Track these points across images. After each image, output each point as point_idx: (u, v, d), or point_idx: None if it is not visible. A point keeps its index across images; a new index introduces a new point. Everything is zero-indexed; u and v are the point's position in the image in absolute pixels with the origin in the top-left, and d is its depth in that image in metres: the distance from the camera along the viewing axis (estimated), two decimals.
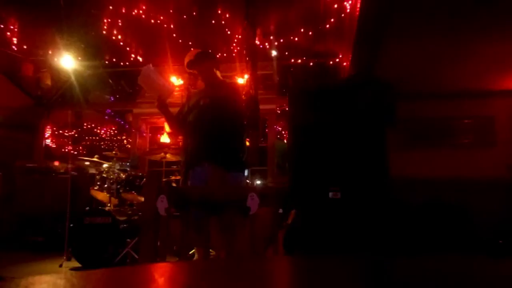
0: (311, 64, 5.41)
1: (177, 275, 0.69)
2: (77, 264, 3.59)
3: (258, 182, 5.47)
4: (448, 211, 4.16)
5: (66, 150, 7.58)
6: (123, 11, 4.43)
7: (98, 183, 4.02)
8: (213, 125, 2.69)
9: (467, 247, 3.93)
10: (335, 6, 4.06)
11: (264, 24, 4.63)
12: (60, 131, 7.80)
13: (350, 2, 3.84)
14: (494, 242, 3.99)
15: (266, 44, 5.00)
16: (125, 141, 8.60)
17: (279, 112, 5.78)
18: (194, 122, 2.74)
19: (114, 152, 4.18)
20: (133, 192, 3.94)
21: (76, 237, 3.61)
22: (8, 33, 4.92)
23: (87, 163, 5.12)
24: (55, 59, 5.26)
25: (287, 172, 2.47)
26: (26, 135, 6.16)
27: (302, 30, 4.65)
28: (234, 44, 4.99)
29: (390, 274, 0.72)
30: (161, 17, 4.53)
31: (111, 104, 6.73)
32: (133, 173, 4.12)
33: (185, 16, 4.47)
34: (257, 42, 4.50)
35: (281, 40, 4.92)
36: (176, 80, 5.04)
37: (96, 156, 4.43)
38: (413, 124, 4.71)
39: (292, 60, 5.45)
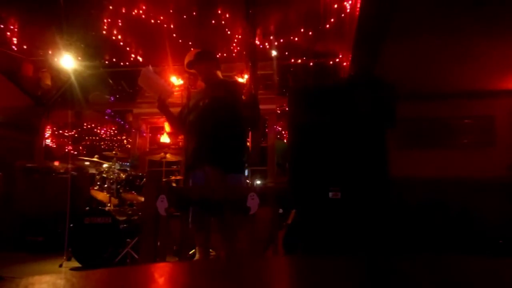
0: (311, 64, 5.41)
1: (177, 275, 0.69)
2: (77, 264, 3.59)
3: (258, 182, 5.48)
4: (448, 211, 4.16)
5: (66, 150, 7.58)
6: (123, 11, 4.42)
7: (98, 183, 4.02)
8: (213, 126, 2.68)
9: (467, 247, 3.93)
10: (335, 6, 4.06)
11: (264, 24, 4.63)
12: (60, 131, 7.79)
13: (350, 2, 3.84)
14: (494, 242, 3.99)
15: (266, 44, 4.99)
16: (125, 141, 8.59)
17: (279, 112, 5.77)
18: (194, 123, 2.74)
19: (114, 152, 4.18)
20: (133, 192, 3.94)
21: (76, 237, 3.61)
22: (8, 33, 4.92)
23: (87, 163, 5.12)
24: (55, 59, 5.25)
25: (287, 172, 2.47)
26: (26, 135, 6.16)
27: (302, 30, 4.64)
28: (234, 44, 4.98)
29: (390, 274, 0.72)
30: (161, 17, 4.53)
31: (111, 104, 6.73)
32: (133, 173, 4.12)
33: (185, 16, 4.47)
34: (257, 42, 4.50)
35: (281, 40, 4.92)
36: (176, 80, 5.05)
37: (96, 156, 4.43)
38: (413, 124, 4.71)
39: (292, 60, 5.45)
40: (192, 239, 2.71)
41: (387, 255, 0.89)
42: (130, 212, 4.07)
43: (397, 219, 2.74)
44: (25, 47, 5.14)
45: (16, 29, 4.91)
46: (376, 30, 3.15)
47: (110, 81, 6.14)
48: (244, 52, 3.97)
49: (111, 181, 3.95)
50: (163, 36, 4.67)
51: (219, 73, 2.94)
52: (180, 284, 0.62)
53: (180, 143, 5.30)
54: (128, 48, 5.25)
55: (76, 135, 8.43)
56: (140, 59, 5.42)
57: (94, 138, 8.80)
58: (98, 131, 8.72)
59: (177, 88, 3.37)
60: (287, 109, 2.58)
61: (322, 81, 4.64)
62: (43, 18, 4.50)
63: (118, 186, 3.95)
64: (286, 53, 5.25)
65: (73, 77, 5.40)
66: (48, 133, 6.75)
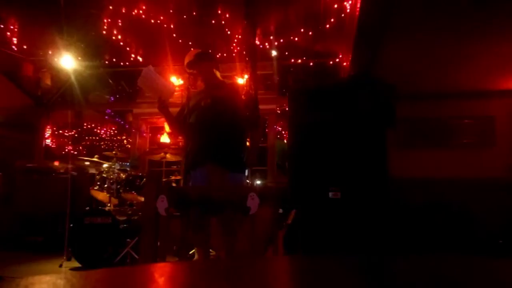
0: (311, 64, 5.41)
1: (177, 275, 0.69)
2: (77, 264, 3.59)
3: (258, 182, 5.48)
4: (448, 211, 4.16)
5: (66, 150, 7.58)
6: (123, 11, 4.42)
7: (98, 183, 4.02)
8: (215, 126, 2.69)
9: (467, 247, 3.93)
10: (335, 6, 4.06)
11: (264, 24, 4.63)
12: (60, 131, 7.79)
13: (350, 2, 3.84)
14: (494, 242, 3.99)
15: (266, 44, 5.00)
16: (125, 141, 8.59)
17: (279, 112, 5.77)
18: (196, 123, 2.74)
19: (114, 152, 4.18)
20: (133, 192, 3.94)
21: (76, 237, 3.61)
22: (8, 33, 4.92)
23: (87, 163, 5.12)
24: (55, 59, 5.25)
25: (287, 172, 2.47)
26: (26, 135, 6.16)
27: (302, 30, 4.64)
28: (234, 44, 4.99)
29: (390, 274, 0.72)
30: (161, 17, 4.53)
31: (111, 104, 6.73)
32: (133, 173, 4.12)
33: (185, 16, 4.47)
34: (257, 42, 4.50)
35: (281, 40, 4.92)
36: (176, 80, 5.05)
37: (96, 156, 4.43)
38: (413, 124, 4.71)
39: (292, 60, 5.45)
40: (192, 239, 2.72)
41: (386, 255, 0.89)
42: (130, 212, 4.07)
43: (396, 219, 2.75)
44: (25, 47, 5.14)
45: (16, 29, 4.91)
46: (376, 30, 3.15)
47: (110, 81, 6.14)
48: (244, 52, 3.96)
49: (111, 181, 3.95)
50: (163, 36, 4.67)
51: (218, 74, 2.95)
52: (180, 284, 0.62)
53: (180, 143, 5.30)
54: (128, 48, 5.25)
55: (76, 135, 8.43)
56: (140, 59, 5.42)
57: (94, 138, 8.79)
58: (98, 131, 8.72)
59: (177, 88, 3.37)
60: (287, 109, 2.58)
61: (322, 81, 4.64)
62: (43, 18, 4.50)
63: (118, 186, 3.94)
64: (286, 53, 5.25)
65: (73, 77, 5.40)
66: (48, 133, 6.75)
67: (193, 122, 2.75)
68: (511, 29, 3.22)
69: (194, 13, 4.44)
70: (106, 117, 7.88)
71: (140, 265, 1.78)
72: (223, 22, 4.56)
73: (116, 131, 8.80)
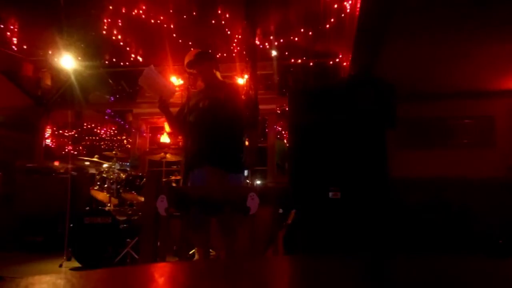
0: (311, 64, 5.41)
1: (177, 275, 0.69)
2: (77, 264, 3.59)
3: (258, 182, 5.47)
4: (448, 211, 4.16)
5: (66, 150, 7.58)
6: (123, 11, 4.42)
7: (98, 183, 4.02)
8: (213, 127, 2.69)
9: (467, 247, 3.93)
10: (335, 6, 4.06)
11: (264, 24, 4.63)
12: (60, 131, 7.80)
13: (350, 2, 3.84)
14: (494, 242, 3.99)
15: (266, 44, 5.00)
16: (125, 141, 8.59)
17: (279, 112, 5.78)
18: (194, 124, 2.74)
19: (114, 152, 4.18)
20: (133, 192, 3.94)
21: (76, 237, 3.61)
22: (8, 33, 4.92)
23: (87, 163, 5.12)
24: (55, 59, 5.25)
25: (287, 172, 2.46)
26: (26, 135, 6.16)
27: (302, 30, 4.65)
28: (234, 44, 4.99)
29: (390, 274, 0.72)
30: (161, 17, 4.53)
31: (111, 104, 6.73)
32: (133, 173, 4.12)
33: (185, 16, 4.47)
34: (257, 42, 4.50)
35: (281, 40, 4.92)
36: (176, 80, 5.05)
37: (96, 156, 4.43)
38: (413, 124, 4.71)
39: (292, 60, 5.45)
40: (192, 239, 2.72)
41: (386, 255, 0.89)
42: (130, 212, 4.07)
43: (397, 219, 2.75)
44: (25, 47, 5.14)
45: (16, 29, 4.91)
46: (376, 30, 3.15)
47: (110, 81, 6.15)
48: (244, 52, 3.96)
49: (111, 181, 3.95)
50: (163, 36, 4.68)
51: (218, 74, 2.95)
52: (180, 284, 0.62)
53: (180, 143, 5.30)
54: (128, 48, 5.25)
55: (76, 135, 8.43)
56: (140, 59, 5.42)
57: (94, 138, 8.79)
58: (98, 131, 8.72)
59: (177, 88, 3.37)
60: (287, 109, 2.58)
61: (322, 81, 4.65)
62: (43, 18, 4.50)
63: (118, 186, 3.94)
64: (286, 53, 5.25)
65: (73, 77, 5.40)
66: (48, 133, 6.75)
67: (191, 122, 2.75)
68: (511, 29, 3.23)
69: (194, 13, 4.44)
70: (106, 117, 7.88)
71: (140, 265, 1.78)
72: (223, 22, 4.56)
73: (116, 131, 8.81)
